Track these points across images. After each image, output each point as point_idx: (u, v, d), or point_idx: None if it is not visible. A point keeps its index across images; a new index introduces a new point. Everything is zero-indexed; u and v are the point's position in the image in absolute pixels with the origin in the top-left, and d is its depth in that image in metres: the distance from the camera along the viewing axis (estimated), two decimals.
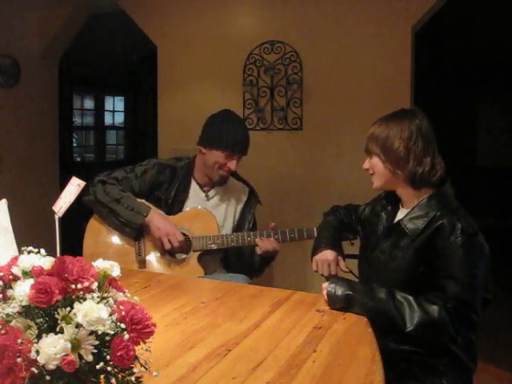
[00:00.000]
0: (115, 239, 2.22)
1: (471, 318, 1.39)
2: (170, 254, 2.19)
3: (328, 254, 1.76)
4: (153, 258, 2.19)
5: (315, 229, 2.06)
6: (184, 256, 2.18)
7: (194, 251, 2.16)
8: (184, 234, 2.16)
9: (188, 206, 2.26)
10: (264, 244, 2.11)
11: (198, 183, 2.29)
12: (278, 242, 2.13)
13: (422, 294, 1.43)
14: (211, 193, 2.29)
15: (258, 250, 2.15)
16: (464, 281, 1.39)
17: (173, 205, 2.24)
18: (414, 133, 1.54)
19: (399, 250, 1.52)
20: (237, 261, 2.28)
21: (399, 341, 1.49)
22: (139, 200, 2.20)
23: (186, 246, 2.17)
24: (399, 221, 1.56)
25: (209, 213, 2.21)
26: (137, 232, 2.17)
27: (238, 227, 2.29)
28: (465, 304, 1.38)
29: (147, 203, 2.21)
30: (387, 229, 1.62)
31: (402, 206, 1.63)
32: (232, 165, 2.17)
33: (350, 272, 1.78)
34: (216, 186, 2.29)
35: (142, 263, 2.19)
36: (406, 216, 1.54)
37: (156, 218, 2.14)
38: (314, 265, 1.78)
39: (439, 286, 1.42)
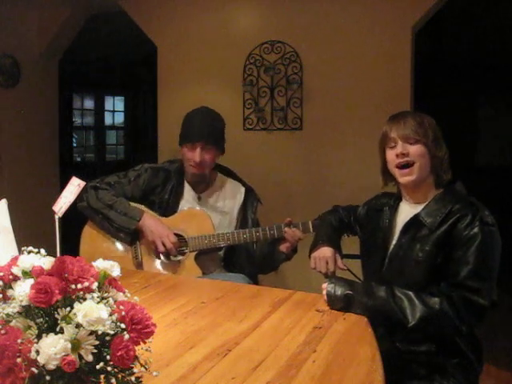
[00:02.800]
0: (111, 243, 2.20)
1: (479, 303, 1.39)
2: (165, 256, 2.17)
3: (326, 251, 1.75)
4: (149, 260, 2.18)
5: (310, 222, 2.05)
6: (180, 257, 2.16)
7: (190, 252, 2.16)
8: (179, 235, 2.15)
9: (182, 207, 2.24)
10: (294, 233, 2.06)
11: (190, 185, 2.28)
12: (274, 237, 2.11)
13: None
14: (205, 194, 2.28)
15: (283, 248, 2.10)
16: (476, 266, 1.40)
17: (167, 207, 2.22)
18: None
19: (418, 242, 1.52)
20: (246, 260, 2.25)
21: (407, 341, 1.49)
22: (133, 204, 2.19)
23: (182, 247, 2.16)
24: (416, 215, 1.56)
25: (203, 212, 2.19)
26: (131, 237, 2.15)
27: (241, 228, 2.28)
28: (472, 290, 1.39)
29: (140, 206, 2.19)
30: (405, 224, 1.59)
31: (408, 201, 1.63)
32: (195, 156, 2.11)
33: (348, 270, 1.78)
34: (210, 188, 2.27)
35: (139, 266, 2.17)
36: (423, 210, 1.55)
37: (149, 221, 2.12)
38: (311, 262, 1.77)
39: (452, 273, 1.43)
